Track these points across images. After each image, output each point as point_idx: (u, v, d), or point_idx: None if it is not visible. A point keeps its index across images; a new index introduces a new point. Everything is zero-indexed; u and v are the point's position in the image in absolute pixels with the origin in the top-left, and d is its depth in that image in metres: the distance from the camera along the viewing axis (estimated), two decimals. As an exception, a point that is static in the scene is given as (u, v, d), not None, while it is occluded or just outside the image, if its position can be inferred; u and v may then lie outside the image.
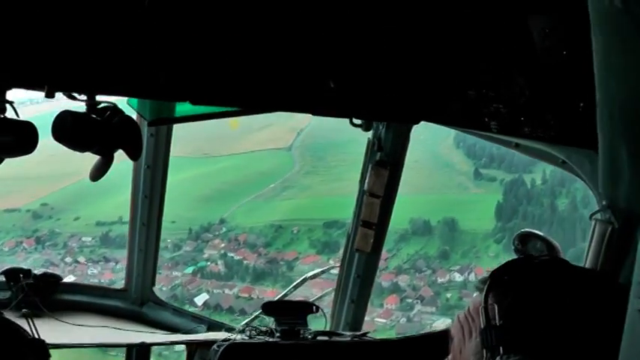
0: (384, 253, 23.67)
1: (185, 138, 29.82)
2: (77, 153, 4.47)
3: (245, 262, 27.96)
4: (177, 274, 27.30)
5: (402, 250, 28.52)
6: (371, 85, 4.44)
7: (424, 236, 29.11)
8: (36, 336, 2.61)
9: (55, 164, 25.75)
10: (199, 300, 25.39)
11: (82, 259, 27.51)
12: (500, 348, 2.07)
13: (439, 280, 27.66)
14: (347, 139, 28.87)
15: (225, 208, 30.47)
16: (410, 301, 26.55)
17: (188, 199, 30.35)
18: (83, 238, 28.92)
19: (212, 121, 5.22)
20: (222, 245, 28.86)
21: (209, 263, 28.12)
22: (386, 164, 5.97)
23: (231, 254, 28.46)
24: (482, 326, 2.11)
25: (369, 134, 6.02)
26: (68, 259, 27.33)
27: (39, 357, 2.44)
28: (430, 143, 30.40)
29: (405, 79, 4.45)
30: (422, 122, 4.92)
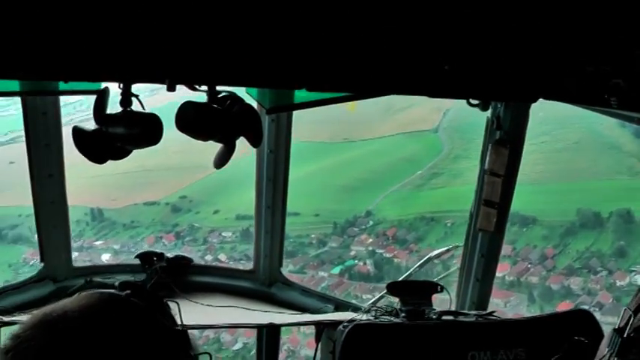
0: (549, 250, 21.98)
1: (323, 122, 28.72)
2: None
3: (396, 260, 26.09)
4: (323, 274, 26.25)
5: (571, 246, 26.30)
6: (486, 64, 4.78)
7: (594, 229, 26.73)
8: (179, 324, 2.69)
9: (193, 154, 25.70)
10: (348, 310, 23.42)
11: (222, 256, 27.22)
12: (615, 357, 2.34)
13: (618, 283, 25.11)
14: (497, 118, 27.88)
15: (371, 198, 29.21)
16: (586, 308, 23.60)
17: (330, 189, 29.84)
18: (223, 233, 28.68)
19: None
20: (370, 241, 27.42)
21: (357, 262, 26.75)
22: (506, 143, 6.34)
23: (380, 251, 26.90)
24: (617, 326, 2.35)
25: (488, 113, 6.39)
26: (208, 257, 26.66)
27: (179, 347, 2.56)
28: (590, 122, 28.09)
29: (521, 58, 4.76)
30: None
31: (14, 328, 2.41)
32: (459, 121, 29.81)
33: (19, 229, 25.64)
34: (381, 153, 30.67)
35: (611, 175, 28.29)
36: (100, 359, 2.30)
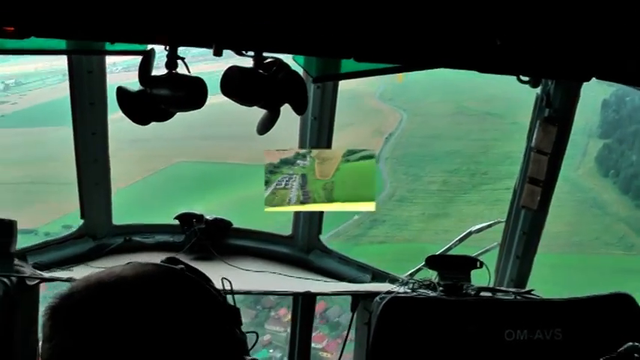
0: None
1: (238, 137, 22.97)
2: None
3: (325, 355, 18.42)
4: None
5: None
6: (539, 40, 5.07)
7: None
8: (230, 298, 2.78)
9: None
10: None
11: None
12: None
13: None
14: (448, 150, 25.23)
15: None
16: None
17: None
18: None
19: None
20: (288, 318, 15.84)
21: (272, 353, 17.80)
22: (554, 121, 6.69)
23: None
24: None
25: (538, 90, 6.74)
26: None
27: (232, 323, 2.66)
28: (563, 168, 22.71)
29: (576, 34, 5.04)
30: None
31: (56, 285, 2.51)
32: (404, 150, 26.63)
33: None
34: (309, 187, 24.03)
35: (599, 249, 24.28)
36: (159, 327, 2.39)
